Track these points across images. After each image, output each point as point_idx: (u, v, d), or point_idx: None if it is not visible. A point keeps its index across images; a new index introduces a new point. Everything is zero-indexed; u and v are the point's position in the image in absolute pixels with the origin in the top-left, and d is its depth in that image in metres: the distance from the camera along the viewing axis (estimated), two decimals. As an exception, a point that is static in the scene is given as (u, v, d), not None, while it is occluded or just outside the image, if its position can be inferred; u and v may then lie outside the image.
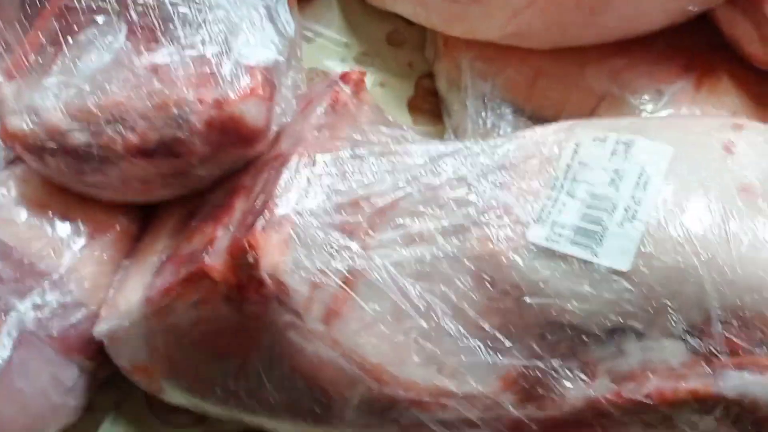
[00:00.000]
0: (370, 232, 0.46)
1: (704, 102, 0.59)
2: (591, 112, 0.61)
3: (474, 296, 0.44)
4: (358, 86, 0.53)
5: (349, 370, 0.46)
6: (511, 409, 0.44)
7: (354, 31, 0.73)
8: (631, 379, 0.42)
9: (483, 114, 0.63)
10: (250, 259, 0.44)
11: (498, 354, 0.44)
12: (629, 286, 0.41)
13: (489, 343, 0.45)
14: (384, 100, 0.69)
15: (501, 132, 0.62)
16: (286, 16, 0.54)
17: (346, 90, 0.52)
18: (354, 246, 0.46)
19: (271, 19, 0.51)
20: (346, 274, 0.45)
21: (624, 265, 0.42)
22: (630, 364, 0.42)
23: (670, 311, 0.41)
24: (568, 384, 0.43)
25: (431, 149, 0.49)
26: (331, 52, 0.71)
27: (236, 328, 0.48)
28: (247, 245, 0.44)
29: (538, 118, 0.62)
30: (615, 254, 0.42)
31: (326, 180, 0.47)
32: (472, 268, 0.45)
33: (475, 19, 0.60)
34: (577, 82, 0.61)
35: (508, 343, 0.44)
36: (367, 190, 0.47)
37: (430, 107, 0.70)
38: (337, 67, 0.71)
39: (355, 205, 0.47)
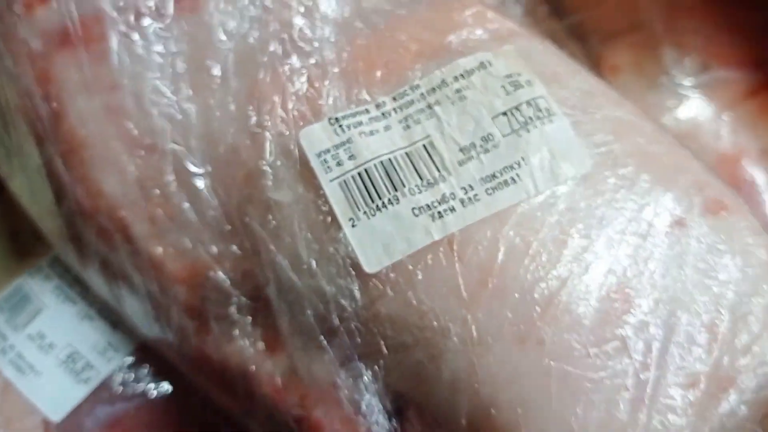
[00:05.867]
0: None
1: (743, 114, 0.40)
2: (614, 35, 0.38)
3: (221, 154, 0.26)
4: None
5: (45, 117, 0.30)
6: (172, 306, 0.27)
7: None
8: (305, 392, 0.25)
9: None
10: None
11: (203, 242, 0.26)
12: (357, 293, 0.23)
13: (206, 221, 0.27)
14: None
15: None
16: None
17: None
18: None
19: None
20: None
21: (369, 264, 0.23)
22: (318, 376, 0.25)
23: (380, 361, 0.23)
24: (236, 333, 0.26)
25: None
26: None
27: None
28: None
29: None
30: (374, 242, 0.24)
31: None
32: (235, 116, 0.26)
33: None
34: None
35: (214, 241, 0.26)
36: None
37: None
38: None
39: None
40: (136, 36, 0.29)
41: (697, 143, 0.39)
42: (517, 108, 0.26)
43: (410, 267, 0.25)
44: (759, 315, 0.25)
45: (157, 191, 0.29)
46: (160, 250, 0.29)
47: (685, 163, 0.27)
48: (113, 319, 0.37)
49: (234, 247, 0.28)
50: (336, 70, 0.27)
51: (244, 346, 0.29)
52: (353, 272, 0.25)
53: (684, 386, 0.24)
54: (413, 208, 0.25)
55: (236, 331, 0.29)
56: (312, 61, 0.27)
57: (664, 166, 0.26)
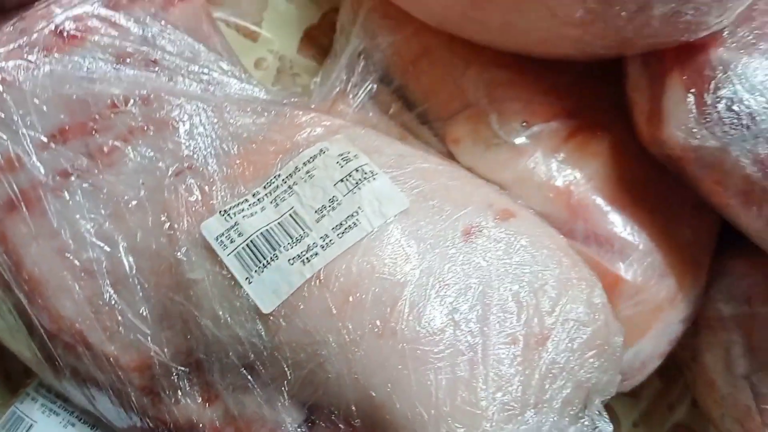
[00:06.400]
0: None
1: (566, 155, 0.49)
2: (451, 116, 0.49)
3: (146, 258, 0.35)
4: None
5: (7, 268, 0.40)
6: (131, 391, 0.35)
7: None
8: (239, 425, 0.33)
9: (352, 69, 0.53)
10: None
11: (144, 333, 0.35)
12: (261, 332, 0.32)
13: (143, 316, 0.35)
14: (282, 17, 0.62)
15: (354, 95, 0.50)
16: None
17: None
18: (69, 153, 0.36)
19: None
20: (42, 177, 0.38)
21: (266, 307, 0.32)
22: (247, 407, 0.33)
23: (287, 380, 0.31)
24: (180, 395, 0.34)
25: (203, 81, 0.39)
26: (256, -56, 0.59)
27: None
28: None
29: (401, 96, 0.51)
30: (266, 290, 0.33)
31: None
32: (152, 228, 0.35)
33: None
34: (454, 77, 0.50)
35: (151, 330, 0.35)
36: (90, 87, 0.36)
37: (325, 43, 0.59)
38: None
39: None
40: (65, 192, 0.39)
41: (533, 185, 0.49)
42: (350, 175, 0.36)
43: (294, 302, 0.34)
44: (553, 284, 0.34)
45: (100, 303, 0.38)
46: (113, 349, 0.38)
47: (477, 189, 0.37)
48: (91, 421, 0.45)
49: (167, 330, 0.37)
50: (219, 177, 0.37)
51: (188, 404, 0.37)
52: (256, 316, 0.35)
53: (507, 344, 0.33)
54: (289, 260, 0.35)
55: (179, 394, 0.37)
56: (201, 175, 0.38)
57: (462, 193, 0.36)
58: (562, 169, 0.49)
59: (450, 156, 0.51)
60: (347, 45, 0.56)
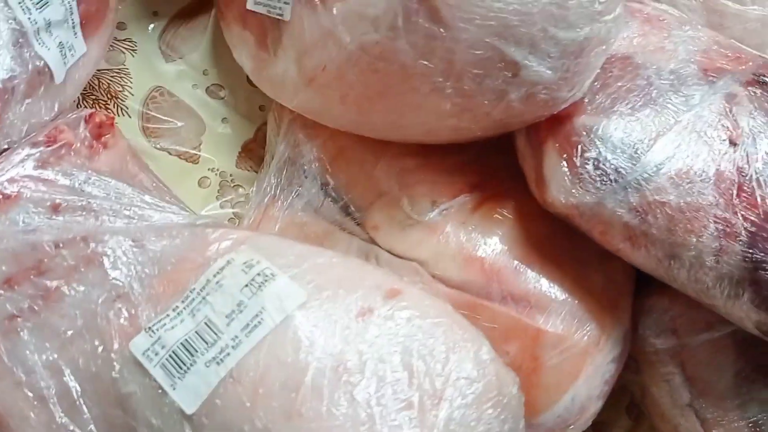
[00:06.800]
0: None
1: (474, 225, 0.54)
2: (369, 205, 0.54)
3: (89, 381, 0.39)
4: (103, 129, 0.48)
5: None
6: None
7: (218, 62, 0.69)
8: None
9: (280, 175, 0.59)
10: None
11: None
12: (189, 430, 0.36)
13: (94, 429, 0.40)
14: (219, 138, 0.68)
15: (284, 199, 0.56)
16: (59, 40, 0.49)
17: (81, 131, 0.47)
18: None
19: (16, 44, 0.46)
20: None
21: (189, 408, 0.37)
22: None
23: None
24: None
25: (127, 216, 0.44)
26: (186, 75, 0.67)
27: None
28: None
29: (325, 193, 0.59)
30: (188, 393, 0.38)
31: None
32: (90, 353, 0.40)
33: (275, 82, 0.54)
34: (368, 171, 0.56)
35: None
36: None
37: (261, 154, 0.66)
38: (184, 91, 0.65)
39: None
40: (13, 335, 0.44)
41: (448, 257, 0.54)
42: (253, 279, 0.41)
43: (213, 399, 0.39)
44: (441, 348, 0.39)
45: (55, 427, 0.42)
46: (71, 466, 0.43)
47: (367, 274, 0.42)
48: None
49: None
50: (143, 298, 0.43)
51: None
52: (183, 418, 0.39)
53: (403, 409, 0.37)
54: (205, 363, 0.39)
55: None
56: (128, 299, 0.43)
57: (354, 280, 0.41)
58: (473, 239, 0.54)
59: (372, 242, 0.56)
60: (275, 154, 0.62)
